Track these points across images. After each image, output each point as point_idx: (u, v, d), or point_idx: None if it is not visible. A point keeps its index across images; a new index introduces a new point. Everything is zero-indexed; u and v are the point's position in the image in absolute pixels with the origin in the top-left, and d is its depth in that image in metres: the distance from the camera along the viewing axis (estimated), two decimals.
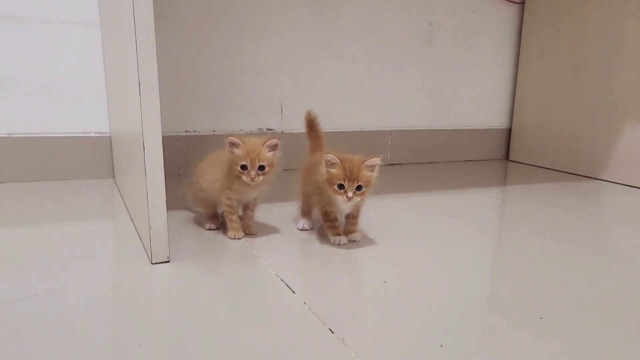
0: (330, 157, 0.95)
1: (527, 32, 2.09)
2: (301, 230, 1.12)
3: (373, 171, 0.97)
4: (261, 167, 0.97)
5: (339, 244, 1.02)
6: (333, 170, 0.95)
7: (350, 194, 0.94)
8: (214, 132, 1.69)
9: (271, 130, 1.78)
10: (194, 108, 1.66)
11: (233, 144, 0.98)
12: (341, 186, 0.95)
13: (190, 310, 0.73)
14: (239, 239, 1.03)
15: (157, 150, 0.86)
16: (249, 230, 1.07)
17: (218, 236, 1.06)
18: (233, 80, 1.70)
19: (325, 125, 1.86)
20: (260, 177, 0.97)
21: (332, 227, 1.03)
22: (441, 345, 0.65)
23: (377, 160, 0.96)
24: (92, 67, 1.50)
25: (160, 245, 0.88)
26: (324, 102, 1.85)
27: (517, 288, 0.85)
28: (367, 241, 1.06)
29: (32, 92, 1.45)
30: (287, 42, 1.75)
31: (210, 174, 1.05)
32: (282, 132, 1.79)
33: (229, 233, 1.04)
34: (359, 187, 0.95)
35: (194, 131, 1.67)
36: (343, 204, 0.98)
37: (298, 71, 1.79)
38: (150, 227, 0.87)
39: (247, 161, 0.96)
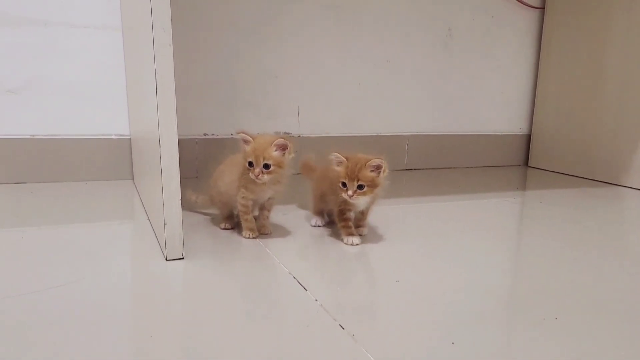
0: (336, 155, 0.98)
1: (547, 36, 2.07)
2: (314, 226, 1.14)
3: (377, 172, 0.98)
4: (266, 166, 0.97)
5: (351, 244, 1.02)
6: (338, 169, 0.98)
7: (350, 192, 0.96)
8: (231, 136, 1.71)
9: (288, 133, 1.79)
10: (212, 111, 1.68)
11: (244, 141, 0.99)
12: (344, 184, 0.97)
13: (202, 305, 0.74)
14: (254, 238, 1.04)
15: (172, 146, 0.87)
16: (264, 229, 1.07)
17: (232, 235, 1.07)
18: (251, 83, 1.71)
19: (342, 129, 1.88)
20: (265, 176, 0.97)
21: (345, 226, 1.03)
22: (453, 343, 0.64)
23: (378, 161, 0.97)
24: (113, 71, 1.53)
25: (175, 241, 0.89)
26: (341, 106, 1.86)
27: (532, 289, 0.84)
28: (381, 242, 1.06)
29: (55, 95, 1.49)
30: (305, 46, 1.76)
31: (228, 176, 1.06)
32: (299, 136, 1.79)
33: (244, 232, 1.05)
34: (360, 186, 0.96)
35: (212, 134, 1.69)
36: (356, 202, 1.00)
37: (316, 75, 1.80)
38: (165, 224, 0.88)
39: (253, 158, 0.97)
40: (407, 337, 0.66)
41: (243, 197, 1.02)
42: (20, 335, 0.62)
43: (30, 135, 1.48)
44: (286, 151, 0.99)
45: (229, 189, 1.06)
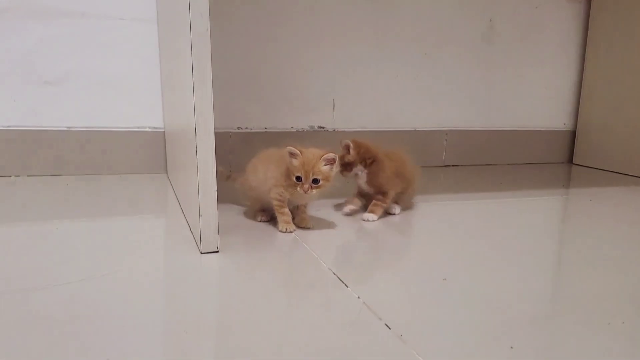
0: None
1: (594, 27, 1.97)
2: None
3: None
4: (315, 181, 0.95)
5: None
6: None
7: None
8: (265, 130, 1.68)
9: (322, 128, 1.75)
10: (246, 105, 1.65)
11: (292, 154, 0.96)
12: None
13: (238, 300, 0.71)
14: (291, 232, 1.00)
15: (208, 138, 0.84)
16: (305, 223, 1.04)
17: (268, 228, 1.04)
18: (286, 77, 1.68)
19: (378, 124, 1.82)
20: (314, 191, 0.96)
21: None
22: (511, 347, 0.59)
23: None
24: (148, 63, 1.52)
25: (210, 234, 0.86)
26: (377, 100, 1.80)
27: (589, 291, 0.77)
28: (425, 239, 1.01)
29: (90, 87, 1.48)
30: (340, 38, 1.72)
31: (261, 172, 1.04)
32: (334, 130, 1.75)
33: (280, 226, 1.01)
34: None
35: (246, 128, 1.66)
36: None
37: (351, 68, 1.75)
38: (200, 216, 0.85)
39: (302, 173, 0.95)
40: (460, 340, 0.61)
41: (280, 194, 1.00)
42: (56, 327, 0.60)
43: (67, 128, 1.48)
44: (334, 165, 0.98)
45: (261, 185, 1.03)
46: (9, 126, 1.43)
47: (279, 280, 0.79)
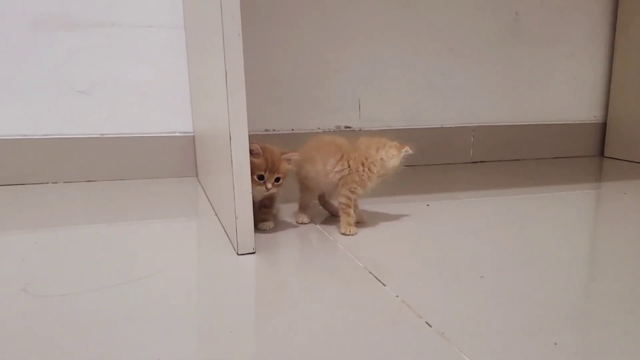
0: (254, 146, 0.94)
1: (623, 17, 1.93)
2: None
3: (290, 164, 0.99)
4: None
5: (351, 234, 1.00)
6: (255, 160, 0.94)
7: (269, 185, 0.95)
8: (292, 131, 1.69)
9: (349, 128, 1.75)
10: (273, 107, 1.67)
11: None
12: (261, 177, 0.95)
13: (278, 299, 0.72)
14: (353, 234, 1.00)
15: (243, 141, 0.85)
16: (360, 218, 1.06)
17: (299, 228, 1.05)
18: (311, 78, 1.69)
19: (404, 122, 1.82)
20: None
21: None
22: (555, 344, 0.58)
23: (295, 155, 0.99)
24: (176, 69, 1.54)
25: (246, 236, 0.88)
26: (402, 98, 1.80)
27: (630, 287, 0.76)
28: (457, 236, 1.01)
29: (121, 94, 1.52)
30: (364, 37, 1.72)
31: (320, 164, 1.02)
32: (360, 130, 1.75)
33: (343, 228, 1.00)
34: (277, 179, 0.97)
35: (273, 130, 1.68)
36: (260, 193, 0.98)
37: (376, 67, 1.75)
38: (236, 218, 0.86)
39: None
40: (502, 336, 0.60)
41: (353, 192, 1.00)
42: (108, 328, 0.62)
43: (100, 135, 1.51)
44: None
45: (321, 176, 1.02)
46: (45, 135, 1.47)
47: (316, 280, 0.79)
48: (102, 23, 1.47)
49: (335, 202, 1.07)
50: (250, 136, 0.87)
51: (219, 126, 0.95)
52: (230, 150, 0.85)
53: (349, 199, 1.00)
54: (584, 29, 1.96)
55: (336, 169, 1.01)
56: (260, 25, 1.60)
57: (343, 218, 1.01)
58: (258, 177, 0.95)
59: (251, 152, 0.93)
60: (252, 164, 0.91)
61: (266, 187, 0.96)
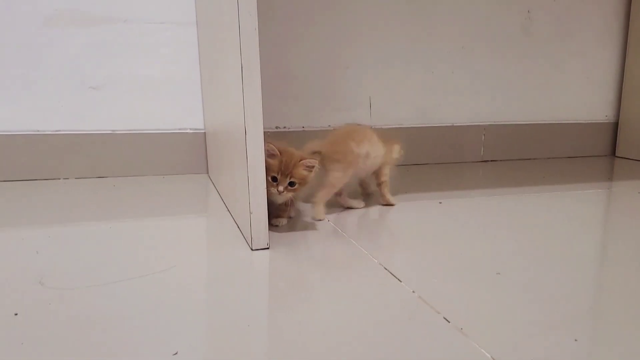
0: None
1: (636, 16, 1.91)
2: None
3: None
4: (291, 183, 0.98)
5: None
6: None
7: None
8: (302, 128, 1.69)
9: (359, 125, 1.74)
10: (284, 104, 1.67)
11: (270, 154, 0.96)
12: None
13: (293, 294, 0.71)
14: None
15: (258, 136, 0.85)
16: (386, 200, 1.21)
17: (318, 226, 1.04)
18: (322, 75, 1.69)
19: (415, 120, 1.81)
20: (289, 194, 0.97)
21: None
22: (575, 340, 0.58)
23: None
24: (188, 65, 1.55)
25: (261, 231, 0.88)
26: (413, 96, 1.80)
27: None
28: (472, 233, 1.00)
29: (133, 90, 1.52)
30: (375, 34, 1.71)
31: (382, 148, 1.18)
32: (371, 127, 1.75)
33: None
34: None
35: (284, 127, 1.68)
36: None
37: (387, 64, 1.75)
38: (250, 213, 0.86)
39: (278, 174, 0.97)
40: (521, 332, 0.60)
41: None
42: (126, 321, 0.62)
43: (111, 131, 1.52)
44: (312, 171, 1.01)
45: (378, 160, 1.17)
46: (57, 130, 1.47)
47: (331, 275, 0.79)
48: (114, 19, 1.47)
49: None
50: None
51: (234, 121, 0.95)
52: (246, 145, 0.84)
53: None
54: (596, 27, 1.95)
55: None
56: (271, 22, 1.60)
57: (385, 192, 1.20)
58: (272, 178, 0.94)
59: (267, 152, 0.93)
60: (266, 164, 0.91)
61: (278, 190, 0.94)
